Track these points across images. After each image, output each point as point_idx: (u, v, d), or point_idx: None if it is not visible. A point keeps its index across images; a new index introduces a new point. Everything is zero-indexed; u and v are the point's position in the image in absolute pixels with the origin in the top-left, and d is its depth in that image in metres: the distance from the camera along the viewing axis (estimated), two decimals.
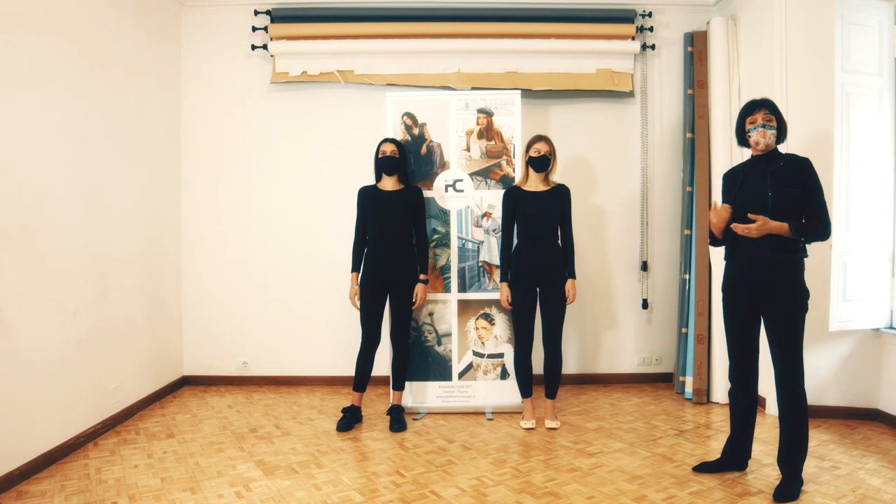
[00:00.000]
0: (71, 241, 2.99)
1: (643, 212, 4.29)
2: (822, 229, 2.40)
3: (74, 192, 3.02)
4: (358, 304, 3.39)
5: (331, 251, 4.18)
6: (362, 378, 3.37)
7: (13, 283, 2.57)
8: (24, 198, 2.66)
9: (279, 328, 4.27)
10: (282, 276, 4.26)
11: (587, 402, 3.83)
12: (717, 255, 3.68)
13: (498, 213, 3.61)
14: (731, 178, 2.63)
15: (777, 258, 2.41)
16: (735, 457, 2.66)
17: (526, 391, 3.38)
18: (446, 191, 3.67)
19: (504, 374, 3.63)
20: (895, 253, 3.33)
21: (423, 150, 3.69)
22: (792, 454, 2.43)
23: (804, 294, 2.42)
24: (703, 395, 3.78)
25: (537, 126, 4.17)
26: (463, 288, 3.64)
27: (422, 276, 3.43)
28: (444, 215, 3.66)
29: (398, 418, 3.32)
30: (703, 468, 2.68)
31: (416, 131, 3.70)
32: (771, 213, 2.40)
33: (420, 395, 3.63)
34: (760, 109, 2.47)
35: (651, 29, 4.23)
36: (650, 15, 4.23)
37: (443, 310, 3.64)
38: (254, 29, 4.19)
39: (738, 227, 2.40)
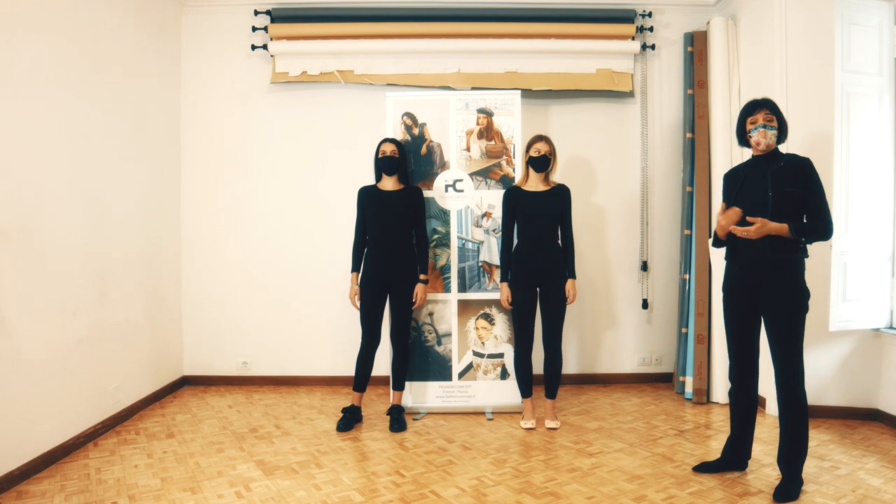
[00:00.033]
0: (71, 241, 2.99)
1: (643, 212, 4.29)
2: (823, 229, 2.40)
3: (74, 192, 3.02)
4: (358, 304, 3.39)
5: (331, 251, 4.18)
6: (362, 378, 3.37)
7: (13, 283, 2.57)
8: (24, 198, 2.66)
9: (279, 328, 4.27)
10: (282, 276, 4.26)
11: (587, 402, 3.83)
12: (717, 255, 3.68)
13: (498, 213, 3.61)
14: (731, 178, 2.63)
15: (777, 258, 2.41)
16: (735, 457, 2.66)
17: (526, 391, 3.39)
18: (446, 191, 3.67)
19: (504, 374, 3.63)
20: (895, 253, 3.33)
21: (423, 150, 3.69)
22: (792, 454, 2.43)
23: (804, 294, 2.41)
24: (703, 395, 3.78)
25: (537, 126, 4.17)
26: (463, 288, 3.64)
27: (422, 276, 3.43)
28: (444, 215, 3.66)
29: (398, 418, 3.32)
30: (703, 468, 2.68)
31: (416, 131, 3.70)
32: (771, 213, 2.40)
33: (420, 395, 3.63)
34: (761, 110, 2.47)
35: (651, 29, 4.23)
36: (650, 15, 4.23)
37: (443, 310, 3.64)
38: (254, 29, 4.19)
39: (737, 230, 2.41)
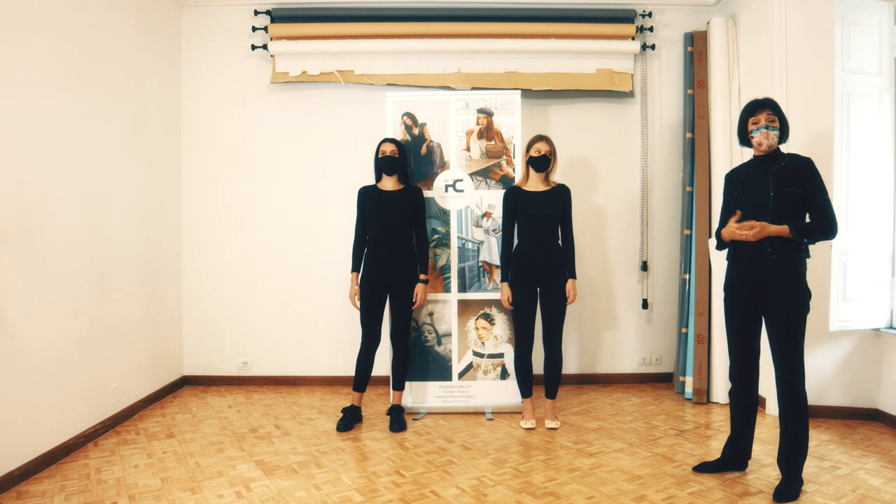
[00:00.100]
0: (71, 241, 2.98)
1: (643, 212, 4.29)
2: (827, 228, 2.38)
3: (74, 192, 3.02)
4: (358, 304, 3.39)
5: (331, 251, 4.18)
6: (362, 378, 3.37)
7: (13, 283, 2.57)
8: (24, 198, 2.66)
9: (279, 328, 4.27)
10: (282, 276, 4.26)
11: (587, 402, 3.83)
12: (718, 255, 3.68)
13: (498, 213, 3.61)
14: (733, 178, 2.63)
15: (778, 259, 2.40)
16: (735, 457, 2.66)
17: (526, 391, 3.38)
18: (446, 191, 3.67)
19: (504, 374, 3.63)
20: (895, 253, 3.33)
21: (423, 150, 3.69)
22: (792, 454, 2.43)
23: (805, 294, 2.41)
24: (703, 395, 3.78)
25: (537, 126, 4.17)
26: (463, 288, 3.64)
27: (422, 276, 3.43)
28: (444, 215, 3.66)
29: (398, 418, 3.32)
30: (703, 468, 2.68)
31: (416, 131, 3.70)
32: (772, 213, 2.40)
33: (420, 395, 3.63)
34: (763, 110, 2.46)
35: (651, 29, 4.23)
36: (650, 15, 4.23)
37: (443, 310, 3.64)
38: (254, 29, 4.19)
39: (737, 234, 2.41)
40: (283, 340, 4.27)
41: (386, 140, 3.43)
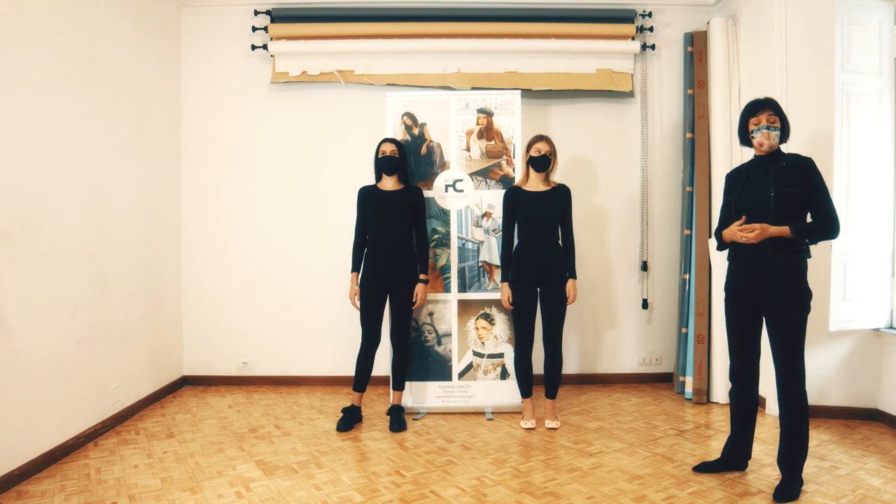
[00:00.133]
0: (71, 241, 2.98)
1: (643, 212, 4.29)
2: (828, 228, 2.38)
3: (74, 192, 3.02)
4: (358, 304, 3.39)
5: (331, 251, 4.18)
6: (362, 378, 3.37)
7: (13, 283, 2.57)
8: (24, 198, 2.66)
9: (279, 328, 4.27)
10: (282, 276, 4.26)
11: (587, 402, 3.83)
12: (718, 256, 3.69)
13: (498, 213, 3.61)
14: (733, 178, 2.63)
15: (779, 259, 2.40)
16: (735, 457, 2.66)
17: (526, 391, 3.38)
18: (446, 191, 3.67)
19: (504, 374, 3.63)
20: (895, 253, 3.33)
21: (423, 150, 3.69)
22: (792, 454, 2.43)
23: (806, 294, 2.41)
24: (703, 395, 3.78)
25: (537, 126, 4.17)
26: (463, 288, 3.64)
27: (422, 276, 3.43)
28: (444, 215, 3.66)
29: (398, 418, 3.32)
30: (703, 468, 2.68)
31: (416, 131, 3.70)
32: (773, 213, 2.40)
33: (420, 395, 3.63)
34: (765, 110, 2.46)
35: (651, 29, 4.23)
36: (650, 15, 4.23)
37: (443, 310, 3.64)
38: (254, 29, 4.19)
39: (738, 236, 2.41)
40: (283, 340, 4.27)
41: (386, 140, 3.43)
